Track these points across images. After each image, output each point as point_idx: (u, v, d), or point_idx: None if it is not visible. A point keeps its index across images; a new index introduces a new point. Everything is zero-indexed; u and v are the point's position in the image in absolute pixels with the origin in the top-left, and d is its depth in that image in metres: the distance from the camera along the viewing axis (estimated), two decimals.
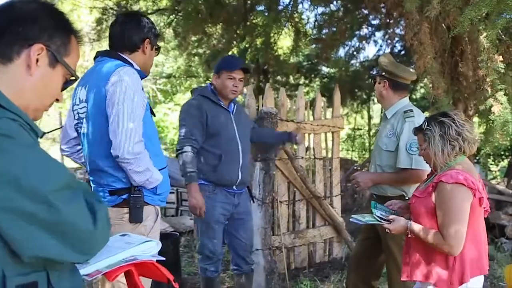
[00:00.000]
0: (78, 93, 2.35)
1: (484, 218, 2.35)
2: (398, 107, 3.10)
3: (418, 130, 2.39)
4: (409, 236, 2.31)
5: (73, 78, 1.25)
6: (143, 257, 1.35)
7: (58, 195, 1.02)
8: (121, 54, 2.35)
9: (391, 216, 2.40)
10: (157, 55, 2.55)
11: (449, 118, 2.27)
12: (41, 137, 1.15)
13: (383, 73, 3.11)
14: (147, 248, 1.37)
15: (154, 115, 2.48)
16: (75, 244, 1.05)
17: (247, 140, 3.47)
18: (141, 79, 2.33)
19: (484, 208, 2.29)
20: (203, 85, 3.86)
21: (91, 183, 2.36)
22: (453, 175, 2.19)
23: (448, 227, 2.16)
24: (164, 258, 1.39)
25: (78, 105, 2.34)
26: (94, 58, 2.43)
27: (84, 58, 11.30)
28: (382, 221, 2.41)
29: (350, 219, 2.55)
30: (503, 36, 4.17)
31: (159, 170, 2.32)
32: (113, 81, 2.18)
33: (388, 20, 6.54)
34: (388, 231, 2.37)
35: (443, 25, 4.43)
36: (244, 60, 4.34)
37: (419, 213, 2.30)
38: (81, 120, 2.33)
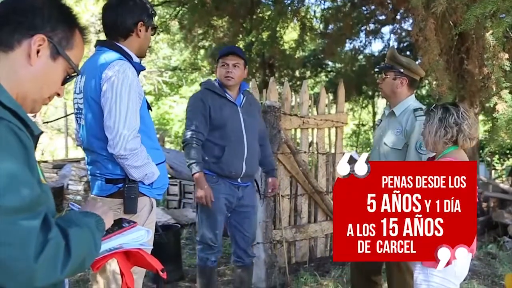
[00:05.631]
0: (78, 82, 2.32)
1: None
2: (407, 104, 3.04)
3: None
4: None
5: (75, 73, 1.22)
6: (130, 245, 1.32)
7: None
8: (117, 44, 2.29)
9: None
10: (154, 34, 2.47)
11: (455, 108, 2.37)
12: (39, 134, 1.12)
13: (402, 70, 3.03)
14: (137, 236, 1.34)
15: (151, 109, 2.44)
16: (7, 269, 0.94)
17: (254, 133, 3.43)
18: (139, 72, 2.30)
19: None
20: (211, 78, 3.82)
21: (89, 172, 2.36)
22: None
23: None
24: (151, 246, 1.36)
25: (78, 94, 2.31)
26: (95, 46, 2.40)
27: (89, 49, 11.30)
28: None
29: None
30: (510, 33, 4.14)
31: (157, 164, 2.29)
32: (108, 75, 2.15)
33: (394, 16, 6.51)
34: None
35: (449, 21, 4.39)
36: (237, 47, 4.27)
37: None
38: (80, 111, 2.31)
